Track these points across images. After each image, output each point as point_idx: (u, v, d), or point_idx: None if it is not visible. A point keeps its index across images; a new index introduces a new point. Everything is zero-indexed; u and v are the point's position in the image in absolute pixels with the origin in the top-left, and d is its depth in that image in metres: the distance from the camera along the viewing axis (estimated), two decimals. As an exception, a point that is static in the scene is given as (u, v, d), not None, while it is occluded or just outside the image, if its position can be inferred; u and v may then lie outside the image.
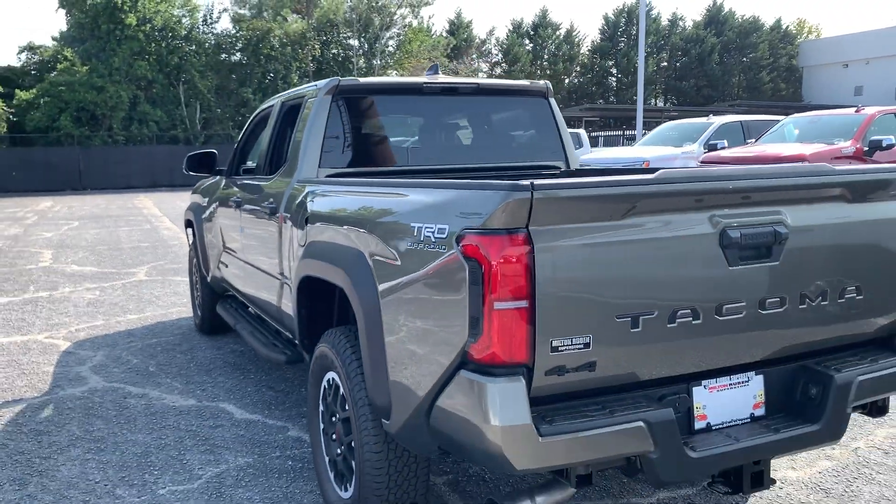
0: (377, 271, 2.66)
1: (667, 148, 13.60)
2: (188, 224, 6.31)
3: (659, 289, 2.26)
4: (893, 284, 2.71)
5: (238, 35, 37.23)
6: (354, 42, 41.17)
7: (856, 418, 4.55)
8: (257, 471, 3.64)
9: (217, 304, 5.70)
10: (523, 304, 2.08)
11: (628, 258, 2.22)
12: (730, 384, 2.51)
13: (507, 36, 58.29)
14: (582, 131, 20.96)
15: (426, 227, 2.36)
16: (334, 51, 41.48)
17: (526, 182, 2.05)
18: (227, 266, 5.21)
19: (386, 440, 2.74)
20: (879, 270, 2.68)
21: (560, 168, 4.53)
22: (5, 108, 35.11)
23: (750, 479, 2.54)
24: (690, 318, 2.30)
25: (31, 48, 41.83)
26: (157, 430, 4.20)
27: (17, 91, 36.27)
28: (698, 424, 2.45)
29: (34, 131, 34.57)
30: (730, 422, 2.50)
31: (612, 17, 57.77)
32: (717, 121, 13.96)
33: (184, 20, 36.53)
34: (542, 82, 4.48)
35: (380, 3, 39.49)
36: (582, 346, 2.16)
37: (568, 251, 2.13)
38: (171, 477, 3.60)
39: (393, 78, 4.65)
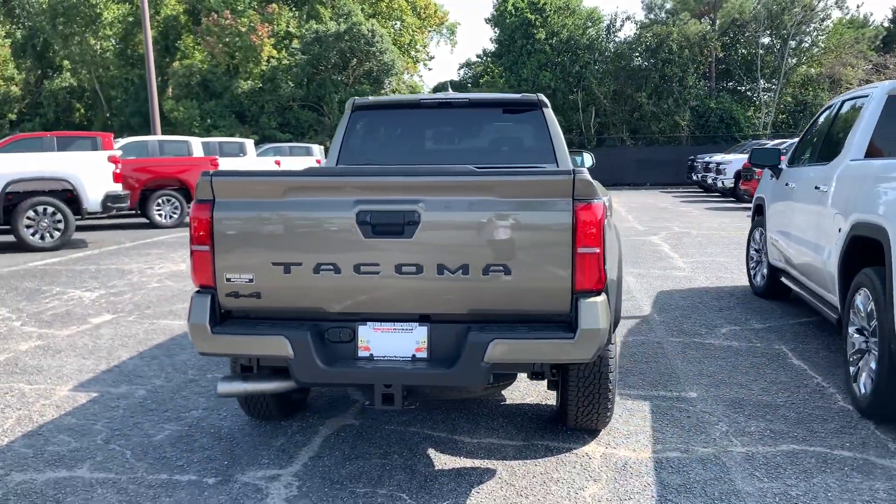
0: None
1: (739, 155, 20.70)
2: None
3: (306, 247, 3.20)
4: (544, 270, 3.10)
5: (639, 41, 38.42)
6: (765, 40, 39.11)
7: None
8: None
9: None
10: (206, 248, 3.27)
11: (284, 223, 3.22)
12: (394, 329, 3.27)
13: (977, 19, 48.79)
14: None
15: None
16: (742, 50, 39.97)
17: (210, 171, 3.25)
18: None
19: None
20: (525, 258, 3.09)
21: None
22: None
23: (381, 397, 3.25)
24: (332, 272, 3.19)
25: (468, 65, 48.91)
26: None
27: (450, 102, 42.99)
28: (362, 353, 3.28)
29: (458, 135, 40.66)
30: (392, 356, 3.25)
31: None
32: (773, 143, 19.42)
33: (588, 30, 39.07)
34: (534, 95, 5.13)
35: (794, -3, 36.89)
36: (247, 279, 3.26)
37: (237, 216, 3.24)
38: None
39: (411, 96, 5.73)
